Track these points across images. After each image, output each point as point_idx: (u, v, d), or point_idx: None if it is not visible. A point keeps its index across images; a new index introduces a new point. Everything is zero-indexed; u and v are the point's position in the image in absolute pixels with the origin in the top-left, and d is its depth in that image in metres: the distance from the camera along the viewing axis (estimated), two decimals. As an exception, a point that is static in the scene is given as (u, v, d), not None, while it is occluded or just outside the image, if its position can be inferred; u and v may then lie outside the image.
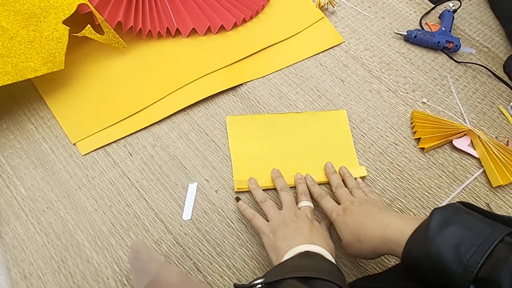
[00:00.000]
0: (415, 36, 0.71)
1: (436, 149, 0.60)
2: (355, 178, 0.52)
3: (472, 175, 0.58)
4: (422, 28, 0.75)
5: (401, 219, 0.38)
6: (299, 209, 0.46)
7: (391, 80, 0.67)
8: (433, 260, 0.31)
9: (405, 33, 0.72)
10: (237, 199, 0.49)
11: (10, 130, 0.50)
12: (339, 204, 0.46)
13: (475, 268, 0.28)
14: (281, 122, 0.57)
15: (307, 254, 0.38)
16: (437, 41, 0.70)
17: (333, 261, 0.38)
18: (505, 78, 0.71)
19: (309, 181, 0.50)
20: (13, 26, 0.48)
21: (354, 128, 0.60)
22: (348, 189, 0.49)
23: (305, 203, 0.46)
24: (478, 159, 0.59)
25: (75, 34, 0.52)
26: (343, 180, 0.51)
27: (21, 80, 0.47)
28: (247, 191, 0.50)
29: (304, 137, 0.56)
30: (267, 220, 0.44)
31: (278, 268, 0.37)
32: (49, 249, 0.43)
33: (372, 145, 0.58)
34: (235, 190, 0.50)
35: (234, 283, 0.34)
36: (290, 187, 0.50)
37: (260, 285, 0.33)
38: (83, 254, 0.44)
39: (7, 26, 0.48)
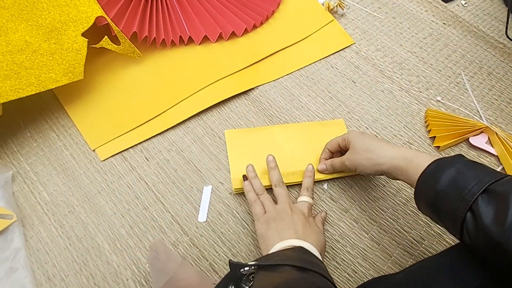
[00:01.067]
0: None
1: (452, 147, 0.59)
2: None
3: (491, 173, 0.56)
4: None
5: (419, 153, 0.41)
6: (297, 203, 0.47)
7: (403, 80, 0.66)
8: (452, 175, 0.35)
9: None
10: (244, 178, 0.49)
11: (33, 139, 0.52)
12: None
13: (488, 181, 0.32)
14: (279, 133, 0.56)
15: (301, 249, 0.39)
16: None
17: (321, 259, 0.40)
18: (523, 74, 0.69)
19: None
20: (36, 40, 0.51)
21: (367, 128, 0.59)
22: None
23: (305, 198, 0.47)
24: (497, 156, 0.58)
25: (93, 46, 0.54)
26: None
27: (44, 90, 0.49)
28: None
29: (302, 145, 0.55)
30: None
31: (272, 255, 0.38)
32: (71, 251, 0.45)
33: (386, 144, 0.58)
34: (233, 190, 0.50)
35: (229, 260, 0.35)
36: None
37: (253, 267, 0.34)
38: (103, 256, 0.45)
39: (31, 40, 0.51)
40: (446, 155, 0.56)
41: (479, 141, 0.58)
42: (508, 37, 0.73)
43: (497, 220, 0.29)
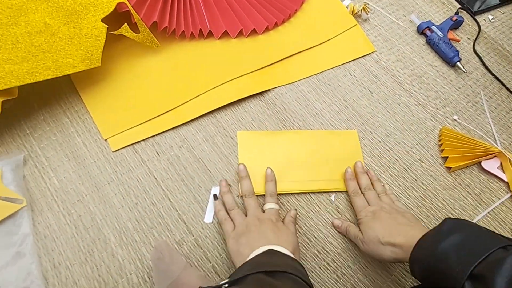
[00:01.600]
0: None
1: (463, 169, 0.58)
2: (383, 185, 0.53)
3: (499, 199, 0.56)
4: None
5: (425, 231, 0.39)
6: (264, 211, 0.47)
7: (421, 94, 0.65)
8: (439, 260, 0.34)
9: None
10: (215, 197, 0.49)
11: (47, 122, 0.52)
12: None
13: (472, 265, 0.31)
14: (290, 139, 0.56)
15: (269, 251, 0.39)
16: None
17: (295, 257, 0.40)
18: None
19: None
20: (55, 22, 0.50)
21: (380, 142, 0.59)
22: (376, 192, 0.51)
23: (270, 205, 0.47)
24: (507, 183, 0.57)
25: (112, 32, 0.53)
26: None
27: (60, 75, 0.49)
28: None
29: (312, 153, 0.55)
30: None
31: (243, 266, 0.38)
32: (77, 241, 0.45)
33: (397, 160, 0.58)
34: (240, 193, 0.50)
35: (200, 286, 0.35)
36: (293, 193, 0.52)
37: (226, 285, 0.34)
38: (109, 248, 0.46)
39: (50, 22, 0.50)
40: (455, 178, 0.56)
41: (491, 165, 0.58)
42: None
43: None
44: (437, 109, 0.64)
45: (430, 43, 0.70)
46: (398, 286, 0.48)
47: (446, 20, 0.73)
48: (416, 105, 0.64)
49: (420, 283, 0.40)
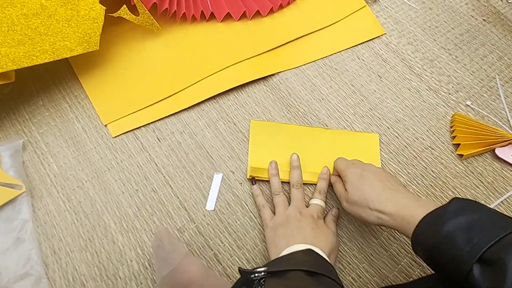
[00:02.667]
0: None
1: (475, 156, 0.56)
2: None
3: (513, 188, 0.54)
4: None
5: (417, 202, 0.37)
6: (308, 206, 0.46)
7: (433, 79, 0.62)
8: (444, 241, 0.31)
9: None
10: (253, 181, 0.48)
11: (46, 108, 0.51)
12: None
13: (482, 248, 0.29)
14: (306, 135, 0.53)
15: (308, 252, 0.38)
16: None
17: (330, 262, 0.39)
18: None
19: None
20: (52, 4, 0.48)
21: (388, 128, 0.57)
22: None
23: (316, 201, 0.46)
24: (523, 171, 0.55)
25: (110, 14, 0.51)
26: None
27: (58, 59, 0.47)
28: (260, 180, 0.50)
29: (328, 152, 0.52)
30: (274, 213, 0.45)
31: (282, 259, 0.37)
32: (77, 227, 0.45)
33: (406, 147, 0.55)
34: (248, 177, 0.49)
35: (239, 267, 0.35)
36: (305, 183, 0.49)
37: (263, 273, 0.34)
38: (109, 234, 0.45)
39: (46, 3, 0.48)
40: (467, 166, 0.54)
41: (505, 153, 0.55)
42: None
43: None
44: (450, 94, 0.61)
45: None
46: (405, 276, 0.46)
47: None
48: (427, 90, 0.61)
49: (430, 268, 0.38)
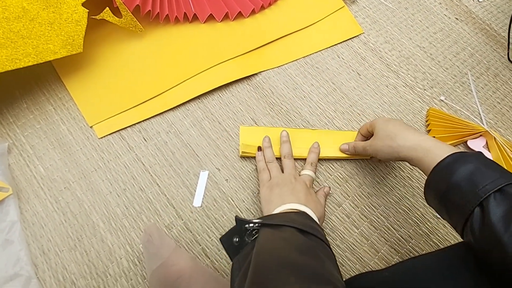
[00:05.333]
0: None
1: (449, 148, 0.59)
2: None
3: (484, 177, 0.57)
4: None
5: (435, 139, 0.41)
6: (299, 175, 0.48)
7: (409, 75, 0.65)
8: (452, 189, 0.35)
9: None
10: (259, 148, 0.51)
11: (30, 110, 0.52)
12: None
13: (503, 183, 0.32)
14: (294, 136, 0.54)
15: (302, 213, 0.41)
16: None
17: (320, 225, 0.41)
18: (529, 78, 0.69)
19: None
20: (34, 7, 0.49)
21: (368, 123, 0.59)
22: None
23: (307, 172, 0.49)
24: (492, 161, 0.58)
25: (93, 17, 0.52)
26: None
27: (41, 62, 0.48)
28: (252, 157, 0.52)
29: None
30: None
31: (276, 216, 0.40)
32: (66, 227, 0.45)
33: (385, 141, 0.58)
34: (240, 154, 0.52)
35: (236, 215, 0.38)
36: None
37: (258, 224, 0.36)
38: (98, 234, 0.46)
39: (28, 7, 0.48)
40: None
41: (477, 144, 0.59)
42: (509, 59, 0.71)
43: (505, 219, 0.30)
44: (425, 90, 0.64)
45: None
46: (385, 263, 0.49)
47: None
48: (404, 86, 0.64)
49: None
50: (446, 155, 0.37)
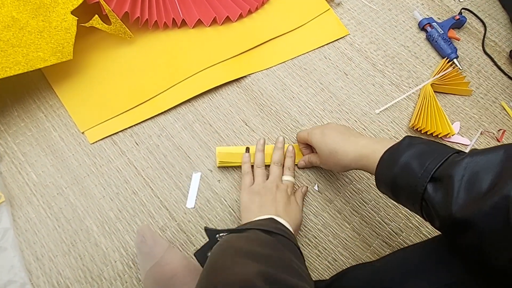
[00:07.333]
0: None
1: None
2: None
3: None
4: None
5: (374, 140, 0.42)
6: (282, 182, 0.49)
7: (394, 74, 0.67)
8: (402, 167, 0.36)
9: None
10: (247, 149, 0.52)
11: (21, 118, 0.52)
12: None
13: (432, 169, 0.33)
14: (269, 151, 0.53)
15: (273, 219, 0.42)
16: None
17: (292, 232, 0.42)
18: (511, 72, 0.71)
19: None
20: (23, 16, 0.49)
21: (356, 121, 0.60)
22: None
23: (288, 177, 0.50)
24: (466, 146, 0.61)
25: (83, 24, 0.53)
26: None
27: (32, 70, 0.48)
28: (230, 166, 0.52)
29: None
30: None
31: (246, 224, 0.41)
32: (59, 232, 0.46)
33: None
34: (218, 164, 0.51)
35: (205, 226, 0.39)
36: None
37: (225, 234, 0.37)
38: (91, 238, 0.46)
39: (18, 16, 0.49)
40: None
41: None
42: (485, 52, 0.73)
43: (445, 200, 0.31)
44: (410, 88, 0.66)
45: (429, 38, 0.71)
46: (377, 256, 0.50)
47: (449, 18, 0.73)
48: (390, 85, 0.66)
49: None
50: (379, 158, 0.39)
